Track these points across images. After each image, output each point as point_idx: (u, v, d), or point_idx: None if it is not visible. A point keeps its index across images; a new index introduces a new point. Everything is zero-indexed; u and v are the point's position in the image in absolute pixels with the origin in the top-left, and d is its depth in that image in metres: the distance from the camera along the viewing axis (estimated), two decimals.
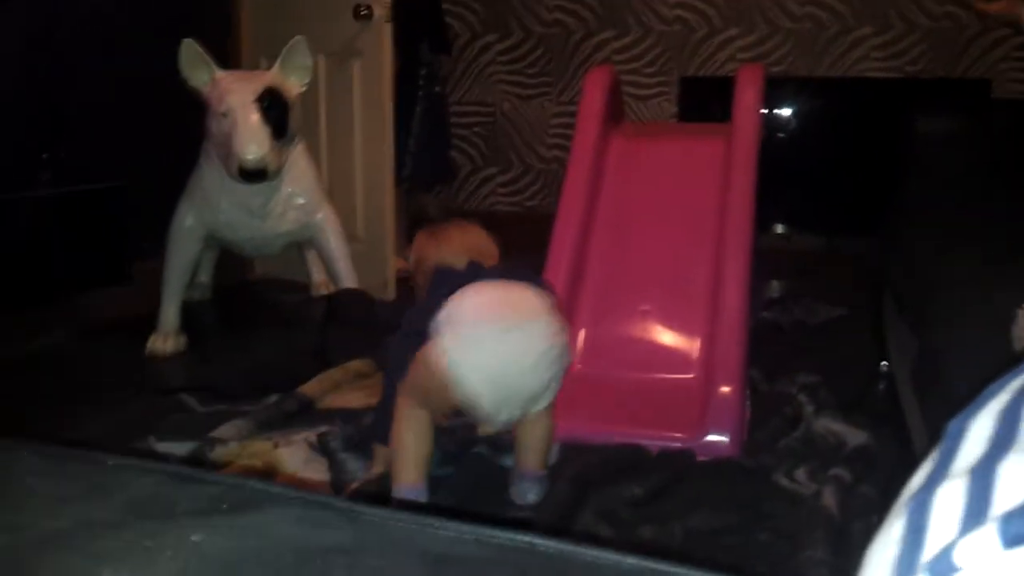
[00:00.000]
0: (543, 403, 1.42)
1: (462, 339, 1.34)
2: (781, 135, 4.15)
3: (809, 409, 1.92)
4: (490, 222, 4.61)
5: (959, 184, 1.77)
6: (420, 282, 1.62)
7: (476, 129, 4.66)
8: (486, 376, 1.34)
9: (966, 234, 1.46)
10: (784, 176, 3.96)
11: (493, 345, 1.33)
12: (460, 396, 1.35)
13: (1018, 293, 0.96)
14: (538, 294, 1.43)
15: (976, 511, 0.27)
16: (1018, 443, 0.28)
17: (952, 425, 0.33)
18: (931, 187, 1.88)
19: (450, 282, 1.46)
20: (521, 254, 2.58)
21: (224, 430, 1.78)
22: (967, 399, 0.85)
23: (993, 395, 0.32)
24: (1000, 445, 0.29)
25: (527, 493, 1.52)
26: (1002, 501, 0.27)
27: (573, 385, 1.96)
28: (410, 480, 1.44)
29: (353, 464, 1.66)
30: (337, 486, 1.60)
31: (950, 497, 0.29)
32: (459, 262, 1.54)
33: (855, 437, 1.76)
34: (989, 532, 0.26)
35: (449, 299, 1.40)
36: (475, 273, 1.49)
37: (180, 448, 1.72)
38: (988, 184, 1.70)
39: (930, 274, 1.35)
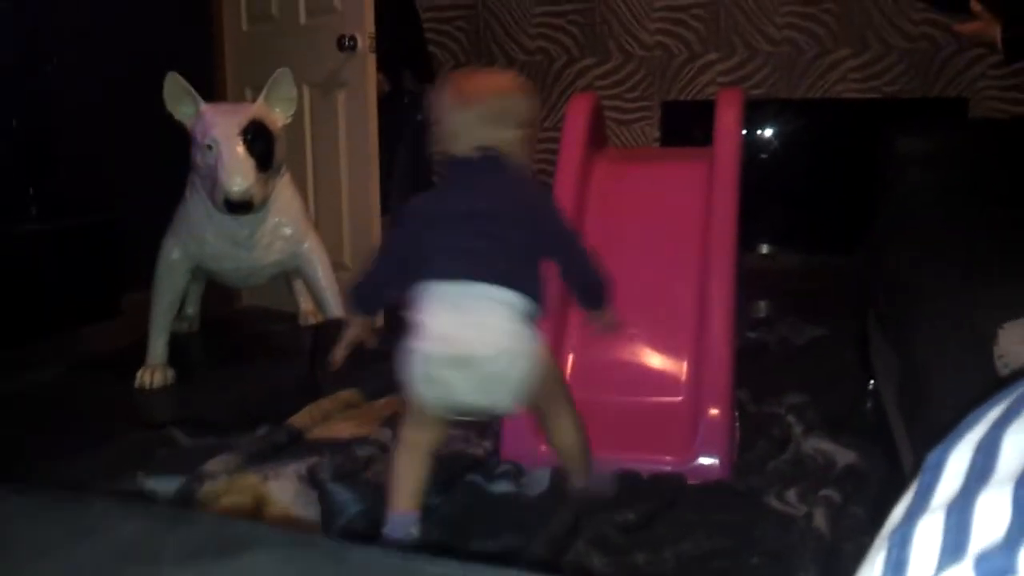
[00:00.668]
0: (502, 410, 1.46)
1: (417, 360, 1.39)
2: (763, 156, 4.19)
3: (797, 429, 1.93)
4: None
5: (938, 203, 1.79)
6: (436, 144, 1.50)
7: None
8: (434, 396, 1.41)
9: (945, 253, 1.47)
10: (767, 196, 4.00)
11: (437, 374, 1.38)
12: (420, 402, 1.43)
13: (998, 311, 0.98)
14: (503, 311, 1.37)
15: (954, 547, 0.27)
16: (995, 477, 0.29)
17: (931, 457, 0.33)
18: (910, 206, 1.90)
19: (424, 214, 1.46)
20: None
21: (213, 464, 1.77)
22: (951, 419, 0.86)
23: (971, 426, 0.33)
24: (977, 479, 0.29)
25: (592, 490, 1.56)
26: (979, 537, 0.27)
27: None
28: (402, 508, 1.46)
29: (343, 495, 1.65)
30: (328, 519, 1.59)
31: (929, 532, 0.29)
32: (468, 145, 1.44)
33: (844, 456, 1.77)
34: (966, 569, 0.26)
35: (422, 303, 1.39)
36: (464, 201, 1.43)
37: (169, 484, 1.71)
38: (966, 203, 1.73)
39: (911, 294, 1.36)
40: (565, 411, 1.53)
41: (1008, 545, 0.26)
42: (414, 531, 1.46)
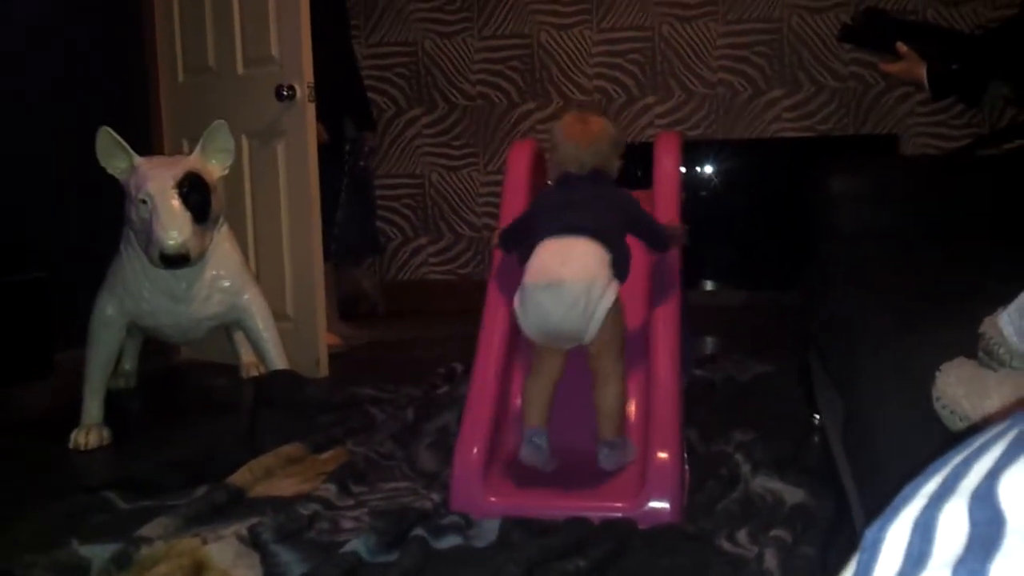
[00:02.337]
0: (586, 338, 1.80)
1: (520, 292, 1.82)
2: (704, 194, 4.26)
3: (746, 468, 1.93)
4: (423, 291, 4.56)
5: (871, 241, 1.83)
6: (549, 165, 2.12)
7: (406, 201, 4.67)
8: (529, 321, 1.81)
9: (883, 292, 1.50)
10: (710, 234, 4.05)
11: (534, 299, 1.78)
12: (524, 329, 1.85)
13: (936, 354, 0.99)
14: (591, 255, 1.80)
15: None
16: (932, 561, 0.28)
17: (868, 534, 0.32)
18: (845, 244, 1.94)
19: (542, 203, 2.01)
20: (455, 322, 2.57)
21: (150, 528, 1.71)
22: (894, 463, 0.85)
23: (907, 500, 0.32)
24: (914, 562, 0.29)
25: (605, 460, 1.83)
26: None
27: (512, 460, 1.94)
28: (533, 423, 1.85)
29: (286, 556, 1.60)
30: None
31: None
32: (582, 169, 1.98)
33: (792, 495, 1.77)
34: None
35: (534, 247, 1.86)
36: (567, 201, 1.92)
37: (104, 551, 1.64)
38: (900, 240, 1.76)
39: (850, 333, 1.37)
40: (616, 374, 1.86)
41: None
42: (542, 441, 1.83)
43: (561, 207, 1.91)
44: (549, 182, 2.18)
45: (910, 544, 0.29)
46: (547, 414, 1.87)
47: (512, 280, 2.16)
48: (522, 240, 1.97)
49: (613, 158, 2.04)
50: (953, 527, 0.28)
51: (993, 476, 0.29)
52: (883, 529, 0.31)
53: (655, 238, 2.03)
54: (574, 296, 1.74)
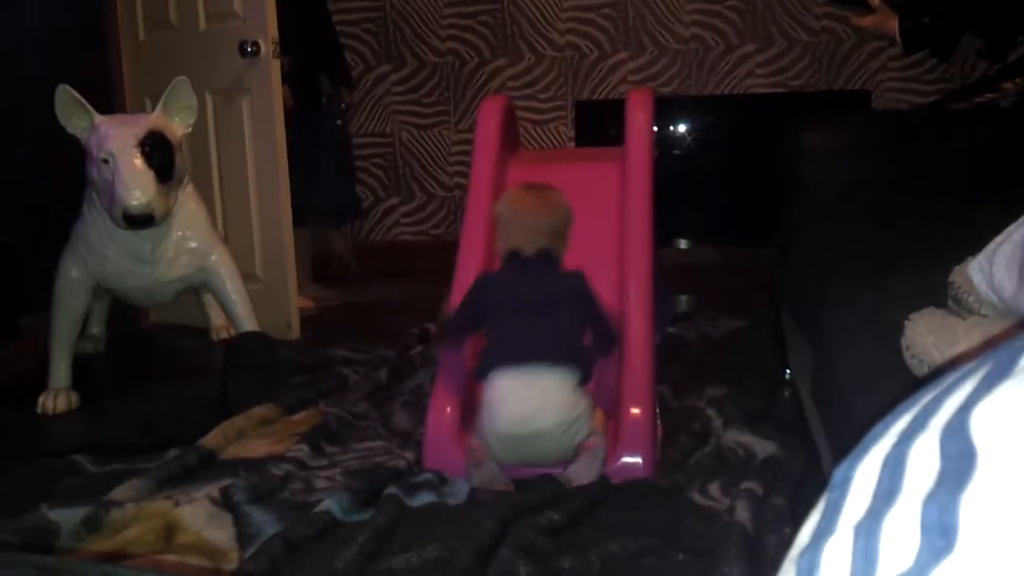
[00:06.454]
0: (558, 457, 1.74)
1: (494, 439, 1.73)
2: (677, 152, 4.24)
3: (717, 423, 1.95)
4: (395, 252, 4.52)
5: (843, 196, 1.83)
6: (496, 238, 1.93)
7: (376, 160, 4.62)
8: (500, 451, 1.74)
9: (853, 246, 1.50)
10: (683, 191, 4.05)
11: (512, 440, 1.72)
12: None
13: (906, 303, 0.99)
14: (561, 389, 1.72)
15: (862, 573, 0.26)
16: (901, 496, 0.27)
17: (837, 472, 0.31)
18: (817, 199, 1.94)
19: (493, 294, 1.82)
20: (428, 283, 2.56)
21: (120, 491, 1.69)
22: (862, 413, 0.85)
23: (877, 438, 0.31)
24: (884, 498, 0.28)
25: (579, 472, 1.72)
26: (887, 563, 0.26)
27: None
28: None
29: (259, 517, 1.59)
30: (243, 541, 1.53)
31: (836, 556, 0.27)
32: (531, 247, 1.82)
33: (763, 448, 1.79)
34: None
35: (489, 387, 1.75)
36: (521, 289, 1.81)
37: (74, 515, 1.62)
38: (871, 195, 1.76)
39: (819, 288, 1.37)
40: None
41: (918, 573, 0.24)
42: None
43: (515, 310, 1.78)
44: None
45: (880, 481, 0.29)
46: None
47: (482, 245, 2.14)
48: (472, 329, 1.87)
49: (563, 238, 1.88)
50: (924, 462, 0.28)
51: (965, 409, 0.28)
52: (852, 467, 0.30)
53: (603, 339, 1.87)
54: (555, 440, 1.72)
